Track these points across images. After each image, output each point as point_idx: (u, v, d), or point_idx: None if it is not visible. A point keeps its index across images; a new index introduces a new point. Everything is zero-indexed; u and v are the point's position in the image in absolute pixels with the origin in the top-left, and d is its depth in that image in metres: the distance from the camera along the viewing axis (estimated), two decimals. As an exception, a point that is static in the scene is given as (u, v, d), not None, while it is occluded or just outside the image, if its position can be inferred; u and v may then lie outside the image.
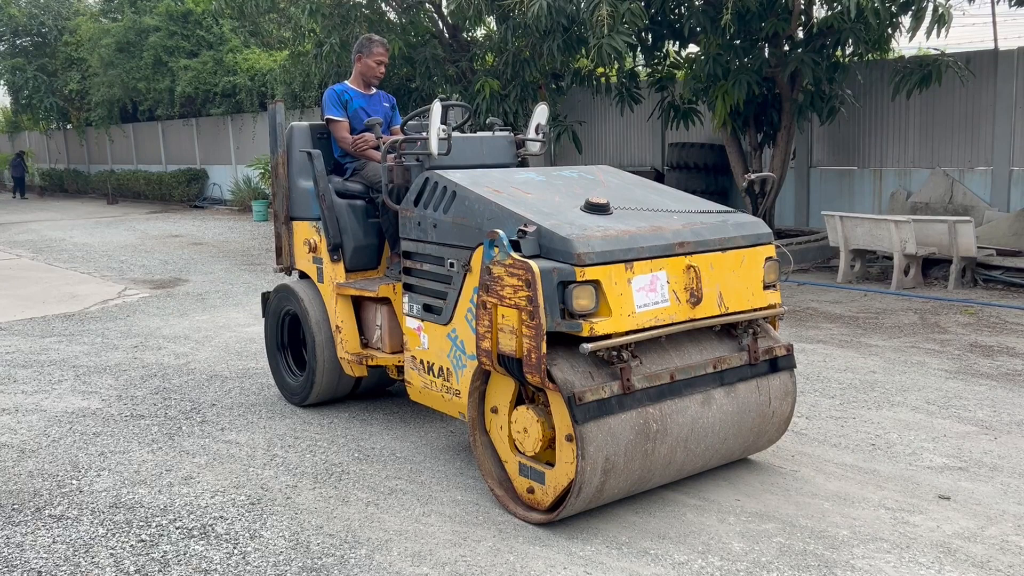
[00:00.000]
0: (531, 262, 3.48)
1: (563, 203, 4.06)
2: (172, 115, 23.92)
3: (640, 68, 12.61)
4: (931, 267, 9.50)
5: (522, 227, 3.67)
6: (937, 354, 6.52)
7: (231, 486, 4.32)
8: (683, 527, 3.74)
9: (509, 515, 3.90)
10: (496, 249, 3.63)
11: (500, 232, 3.63)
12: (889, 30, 9.69)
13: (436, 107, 4.56)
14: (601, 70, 11.71)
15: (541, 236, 3.64)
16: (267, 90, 19.91)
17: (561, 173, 4.64)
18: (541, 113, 5.26)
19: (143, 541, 3.74)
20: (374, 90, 5.61)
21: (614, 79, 11.88)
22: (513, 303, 3.55)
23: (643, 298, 3.63)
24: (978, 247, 9.08)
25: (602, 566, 3.43)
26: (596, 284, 3.53)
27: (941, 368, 6.14)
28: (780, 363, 4.18)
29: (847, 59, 10.34)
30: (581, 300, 3.48)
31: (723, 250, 3.93)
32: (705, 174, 12.48)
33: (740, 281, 3.97)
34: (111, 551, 3.66)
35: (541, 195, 4.17)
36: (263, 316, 5.86)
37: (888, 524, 3.74)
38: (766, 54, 10.14)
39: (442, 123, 4.65)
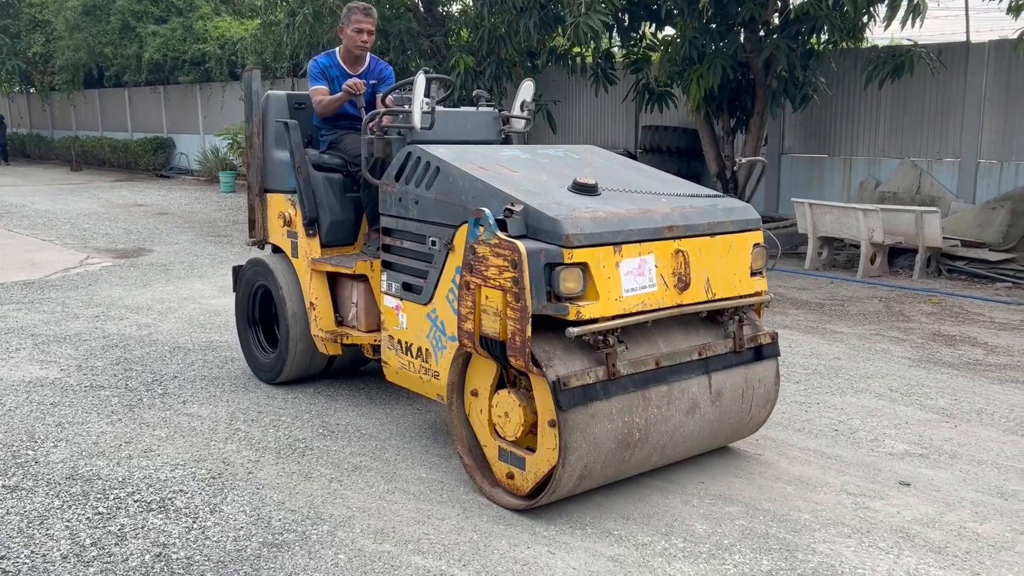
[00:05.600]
0: (518, 242, 3.38)
1: (550, 182, 3.96)
2: (139, 82, 23.46)
3: (616, 49, 12.55)
4: (897, 256, 9.60)
5: (509, 206, 3.55)
6: (901, 342, 6.60)
7: (192, 460, 4.25)
8: (647, 508, 3.75)
9: (473, 494, 3.88)
10: (481, 228, 3.52)
11: (486, 210, 3.52)
12: (864, 19, 9.72)
13: (420, 79, 4.38)
14: (577, 49, 11.64)
15: (528, 216, 3.54)
16: (237, 59, 19.56)
17: (547, 152, 4.54)
18: (527, 90, 5.11)
19: (100, 514, 3.67)
20: (364, 65, 5.34)
21: (590, 59, 11.82)
22: (498, 284, 3.45)
23: (631, 282, 3.55)
24: (944, 238, 9.19)
25: (565, 546, 3.42)
26: (584, 267, 3.43)
27: (904, 356, 6.22)
28: (765, 351, 4.11)
29: (822, 47, 10.37)
30: (568, 283, 3.40)
31: (712, 235, 3.85)
32: (677, 158, 12.49)
33: (728, 267, 3.90)
34: (67, 523, 3.58)
35: (527, 173, 4.05)
36: (234, 290, 5.72)
37: (849, 509, 3.77)
38: (742, 39, 10.13)
39: (425, 96, 4.49)
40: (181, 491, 3.90)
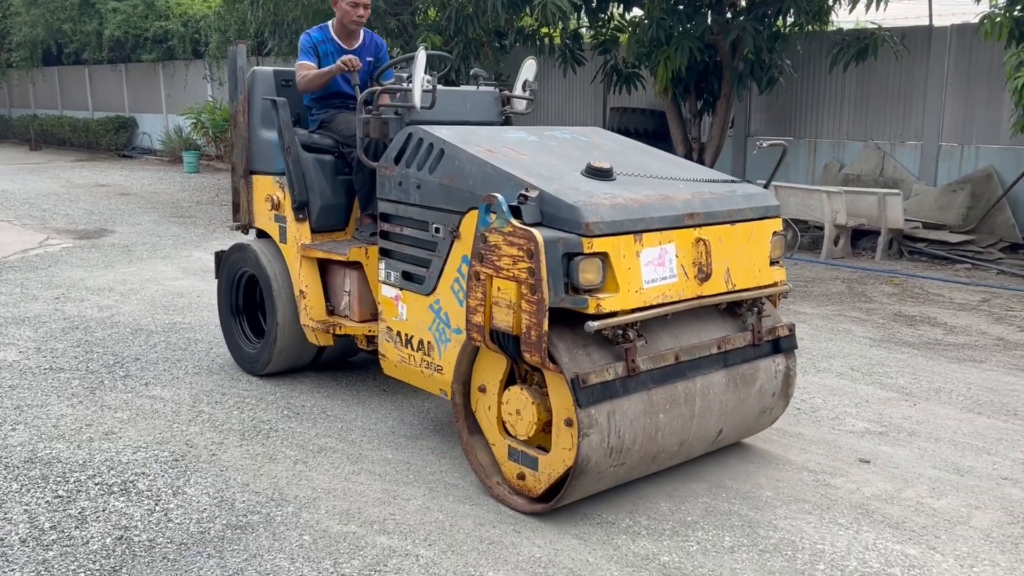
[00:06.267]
0: (534, 230, 3.17)
1: (561, 166, 3.75)
2: (100, 59, 22.97)
3: (584, 30, 12.52)
4: (860, 238, 9.73)
5: (523, 192, 3.34)
6: (862, 322, 6.69)
7: (154, 442, 4.21)
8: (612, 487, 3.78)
9: (440, 474, 3.88)
10: (493, 215, 3.30)
11: (499, 196, 3.29)
12: (830, 2, 9.78)
13: (420, 55, 4.11)
14: (545, 30, 11.59)
15: (544, 202, 3.32)
16: (200, 37, 19.22)
17: (553, 134, 4.34)
18: (529, 68, 4.85)
19: (60, 497, 3.62)
20: (359, 40, 5.09)
21: (558, 40, 11.78)
22: (512, 275, 3.25)
23: (651, 273, 3.37)
24: (905, 220, 9.32)
25: (531, 524, 3.44)
26: (604, 257, 3.25)
27: (866, 336, 6.31)
28: (782, 344, 3.96)
29: (788, 29, 10.43)
30: (587, 274, 3.21)
31: (732, 223, 3.67)
32: (645, 140, 12.43)
33: (748, 256, 3.73)
34: (25, 507, 3.53)
35: (536, 157, 3.84)
36: (216, 277, 5.46)
37: (810, 486, 3.83)
38: (709, 21, 10.15)
39: (426, 73, 4.24)
40: (143, 473, 3.86)
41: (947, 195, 9.90)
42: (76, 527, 3.38)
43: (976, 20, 8.72)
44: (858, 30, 10.59)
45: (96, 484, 3.75)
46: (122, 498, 3.62)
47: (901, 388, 5.16)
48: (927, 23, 10.68)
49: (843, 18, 10.37)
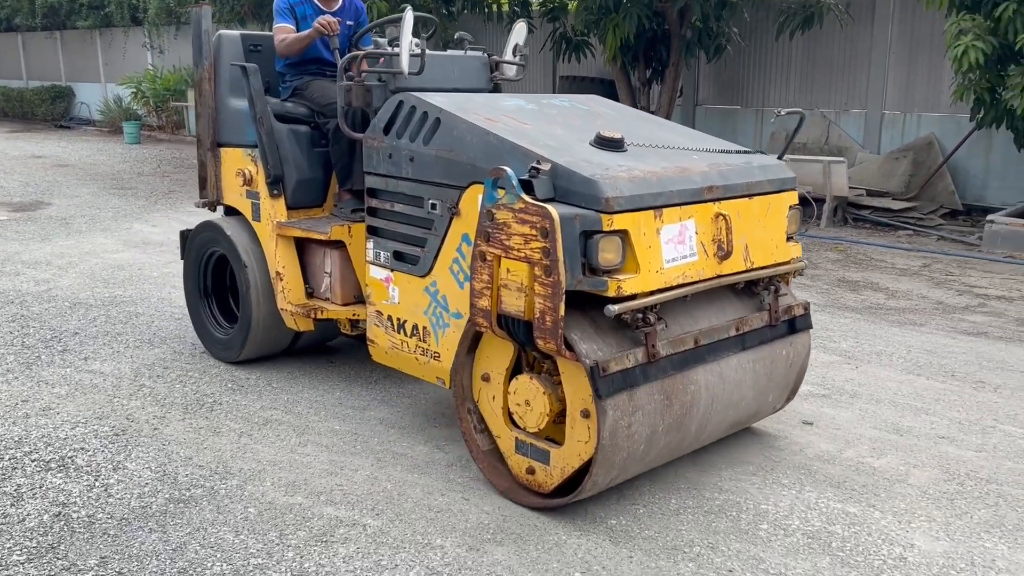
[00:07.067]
0: (549, 207, 2.93)
1: (567, 136, 3.50)
2: (33, 26, 22.18)
3: (533, -3, 12.42)
4: (806, 206, 9.84)
5: (535, 164, 3.09)
6: (807, 288, 6.79)
7: (94, 417, 4.11)
8: (560, 453, 3.79)
9: (388, 444, 3.86)
10: (501, 190, 3.06)
11: (507, 170, 3.04)
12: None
13: (408, 17, 3.85)
14: (493, -3, 11.47)
15: (557, 176, 3.07)
16: (139, 3, 18.65)
17: (553, 101, 4.11)
18: (519, 32, 4.56)
19: (-6, 475, 3.52)
20: (339, 2, 4.81)
21: (506, 7, 11.66)
22: (523, 256, 3.01)
23: (672, 251, 3.15)
24: (850, 187, 9.46)
25: (479, 493, 3.44)
26: (624, 235, 3.02)
27: (811, 302, 6.39)
28: (798, 323, 3.81)
29: (735, -3, 10.45)
30: (607, 253, 2.98)
31: (750, 196, 3.46)
32: (595, 108, 12.49)
33: (766, 232, 3.54)
34: (-42, 486, 3.43)
35: (539, 126, 3.58)
36: (182, 258, 5.10)
37: (755, 448, 3.89)
38: (657, -12, 10.13)
39: (414, 36, 3.94)
40: (82, 449, 3.76)
41: (890, 163, 10.07)
42: (12, 504, 3.29)
43: (918, -11, 8.83)
44: (804, -2, 10.66)
45: (33, 461, 3.65)
46: (60, 474, 3.53)
47: (844, 352, 5.26)
48: (871, -8, 10.79)
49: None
